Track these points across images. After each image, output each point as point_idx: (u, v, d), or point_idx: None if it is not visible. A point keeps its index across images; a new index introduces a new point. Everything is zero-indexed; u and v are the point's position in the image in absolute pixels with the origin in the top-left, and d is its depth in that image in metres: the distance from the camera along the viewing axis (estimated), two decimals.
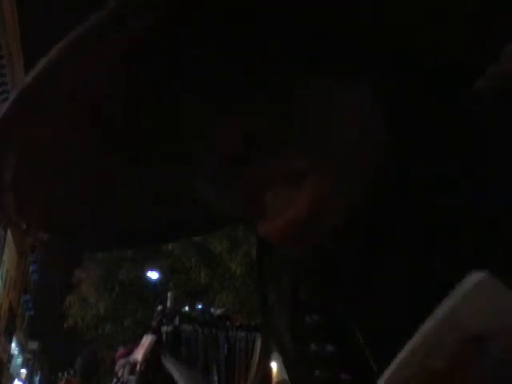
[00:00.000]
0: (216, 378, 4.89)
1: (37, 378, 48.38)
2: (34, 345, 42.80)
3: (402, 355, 0.30)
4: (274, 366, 5.17)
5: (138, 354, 4.98)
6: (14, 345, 35.26)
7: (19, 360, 39.69)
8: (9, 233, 28.70)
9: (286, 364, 0.55)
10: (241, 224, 0.54)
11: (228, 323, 5.16)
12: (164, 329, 4.96)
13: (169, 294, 6.53)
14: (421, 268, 0.40)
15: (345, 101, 0.41)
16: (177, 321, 5.02)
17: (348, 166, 0.41)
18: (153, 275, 12.69)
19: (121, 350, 5.96)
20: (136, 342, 5.43)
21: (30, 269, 37.81)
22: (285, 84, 0.39)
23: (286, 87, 0.39)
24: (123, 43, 0.34)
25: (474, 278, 0.29)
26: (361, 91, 0.41)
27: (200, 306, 10.60)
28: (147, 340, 4.94)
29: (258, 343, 5.11)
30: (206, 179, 0.44)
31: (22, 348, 39.70)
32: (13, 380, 34.50)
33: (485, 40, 0.40)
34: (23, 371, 41.40)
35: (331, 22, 0.38)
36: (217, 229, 0.63)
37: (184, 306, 9.08)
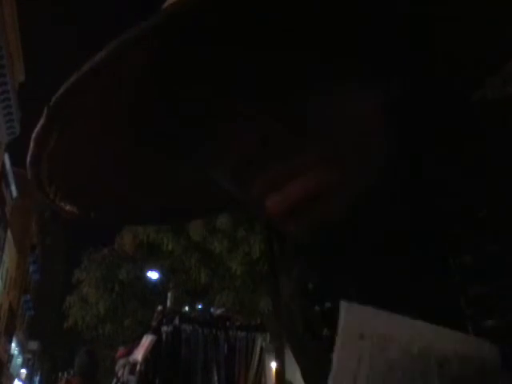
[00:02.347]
0: (216, 378, 4.89)
1: (37, 378, 48.40)
2: (33, 345, 42.79)
3: None
4: (273, 366, 5.17)
5: (138, 354, 4.98)
6: (14, 345, 35.29)
7: (19, 360, 39.71)
8: (9, 233, 28.71)
9: (294, 343, 0.57)
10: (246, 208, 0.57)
11: (228, 323, 5.17)
12: (164, 329, 4.96)
13: (169, 294, 6.54)
14: (421, 258, 0.42)
15: (353, 105, 0.43)
16: (177, 321, 5.03)
17: (351, 164, 0.43)
18: (153, 275, 12.68)
19: (121, 350, 5.96)
20: (136, 342, 5.43)
21: (30, 269, 37.80)
22: (298, 88, 0.41)
23: (298, 91, 0.41)
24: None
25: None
26: (369, 97, 0.43)
27: (200, 306, 10.59)
28: (147, 340, 4.95)
29: (258, 343, 5.12)
30: (221, 171, 0.46)
31: (22, 348, 39.72)
32: (13, 380, 34.51)
33: (498, 43, 0.40)
34: (23, 371, 41.41)
35: (353, 24, 0.38)
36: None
37: (184, 306, 9.08)
